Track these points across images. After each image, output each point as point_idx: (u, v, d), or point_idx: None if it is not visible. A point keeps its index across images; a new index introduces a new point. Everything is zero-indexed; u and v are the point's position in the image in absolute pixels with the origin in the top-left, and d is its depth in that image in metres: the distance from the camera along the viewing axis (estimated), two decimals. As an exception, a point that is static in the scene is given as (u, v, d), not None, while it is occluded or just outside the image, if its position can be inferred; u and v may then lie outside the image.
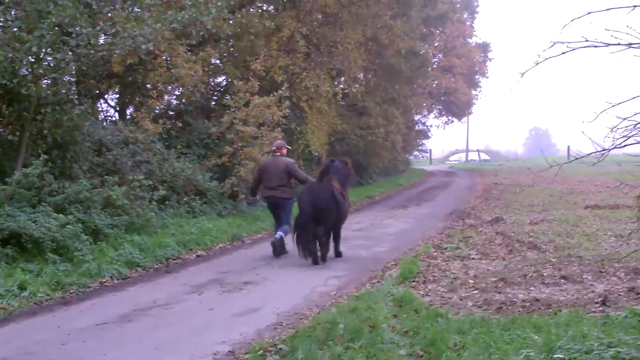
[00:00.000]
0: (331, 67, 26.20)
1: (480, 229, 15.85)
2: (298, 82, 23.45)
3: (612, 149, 5.88)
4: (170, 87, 19.53)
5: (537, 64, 5.72)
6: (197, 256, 13.25)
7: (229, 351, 6.82)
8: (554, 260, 11.23)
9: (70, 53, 12.72)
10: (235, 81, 19.80)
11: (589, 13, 5.34)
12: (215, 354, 6.71)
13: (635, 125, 5.70)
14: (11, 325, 8.05)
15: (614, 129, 5.79)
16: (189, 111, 20.18)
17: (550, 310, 7.92)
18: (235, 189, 17.82)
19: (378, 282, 10.33)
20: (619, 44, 5.39)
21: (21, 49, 11.94)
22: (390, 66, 30.18)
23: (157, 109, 19.01)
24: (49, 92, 13.08)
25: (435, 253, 12.79)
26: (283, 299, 9.27)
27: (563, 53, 5.59)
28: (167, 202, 15.48)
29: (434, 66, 49.30)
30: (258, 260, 12.65)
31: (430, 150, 69.82)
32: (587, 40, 5.45)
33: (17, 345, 7.11)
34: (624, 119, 5.71)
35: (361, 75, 31.49)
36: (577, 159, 6.15)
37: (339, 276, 11.01)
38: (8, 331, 7.77)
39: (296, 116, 24.00)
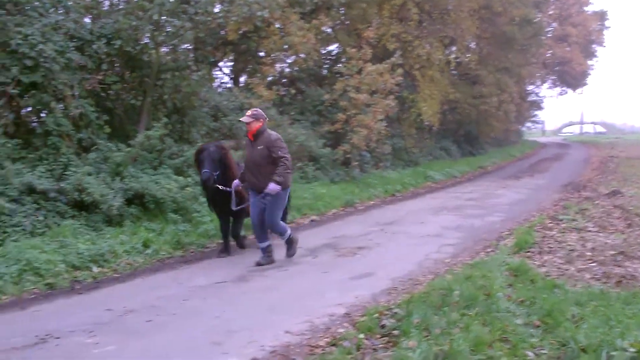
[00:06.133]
0: (443, 35, 25.79)
1: (596, 202, 15.33)
2: (410, 50, 23.20)
3: None
4: (283, 54, 19.70)
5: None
6: (311, 221, 13.46)
7: (345, 313, 6.87)
8: (677, 235, 10.79)
9: (188, 21, 13.02)
10: (347, 49, 19.78)
11: None
12: (331, 315, 6.78)
13: None
14: (137, 280, 8.44)
15: None
16: (302, 78, 20.36)
17: (675, 286, 7.63)
18: (347, 155, 17.92)
19: (492, 251, 10.16)
20: None
21: (143, 17, 12.33)
22: (504, 34, 29.43)
23: (270, 76, 19.23)
24: (168, 58, 13.44)
25: (551, 224, 12.47)
26: (397, 264, 9.27)
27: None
28: (280, 167, 15.69)
29: (548, 35, 47.58)
30: (370, 226, 12.69)
31: (543, 121, 67.86)
32: None
33: (143, 299, 7.43)
34: None
35: (473, 44, 30.90)
36: None
37: (453, 244, 10.91)
38: (134, 285, 8.12)
39: (408, 84, 23.81)
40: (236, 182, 9.60)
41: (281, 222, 9.62)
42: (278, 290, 7.94)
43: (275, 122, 16.51)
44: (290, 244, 9.78)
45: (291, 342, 5.96)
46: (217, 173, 9.53)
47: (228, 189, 9.58)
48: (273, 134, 9.33)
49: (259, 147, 9.17)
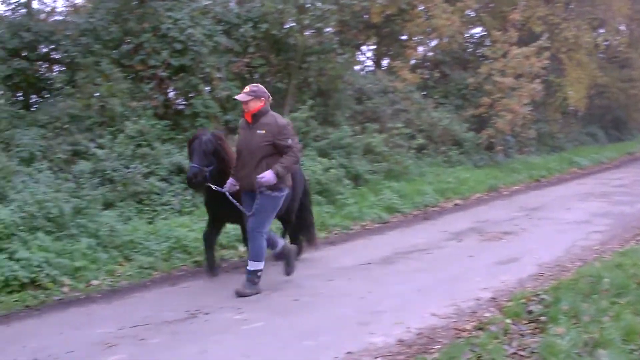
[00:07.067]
0: (592, 17, 24.71)
1: None
2: (557, 32, 22.37)
3: None
4: (426, 38, 19.51)
5: None
6: (455, 205, 13.27)
7: (491, 297, 6.77)
8: None
9: (333, 4, 13.08)
10: (492, 32, 19.34)
11: None
12: (477, 299, 6.70)
13: None
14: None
15: None
16: (446, 62, 20.14)
17: None
18: (492, 140, 17.60)
19: (643, 239, 9.73)
20: None
21: (289, 0, 12.47)
22: (658, 15, 27.97)
23: (413, 60, 19.11)
24: (313, 41, 13.55)
25: None
26: (543, 250, 9.02)
27: None
28: (424, 151, 15.63)
29: None
30: (515, 211, 12.40)
31: (697, 107, 63.87)
32: None
33: (288, 278, 7.51)
34: None
35: (623, 26, 29.47)
36: None
37: (601, 231, 10.47)
38: (279, 265, 8.06)
39: (554, 68, 23.03)
40: (231, 180, 7.28)
41: (271, 232, 7.35)
42: (423, 272, 7.89)
43: (419, 105, 16.45)
44: (287, 257, 7.50)
45: (437, 325, 5.92)
46: (211, 169, 7.35)
47: (222, 189, 7.32)
48: (280, 117, 7.18)
49: (258, 132, 6.92)
